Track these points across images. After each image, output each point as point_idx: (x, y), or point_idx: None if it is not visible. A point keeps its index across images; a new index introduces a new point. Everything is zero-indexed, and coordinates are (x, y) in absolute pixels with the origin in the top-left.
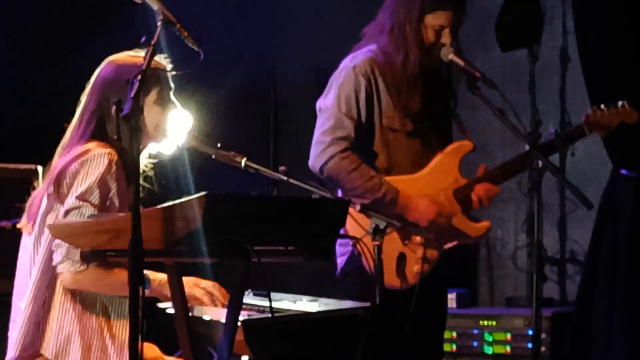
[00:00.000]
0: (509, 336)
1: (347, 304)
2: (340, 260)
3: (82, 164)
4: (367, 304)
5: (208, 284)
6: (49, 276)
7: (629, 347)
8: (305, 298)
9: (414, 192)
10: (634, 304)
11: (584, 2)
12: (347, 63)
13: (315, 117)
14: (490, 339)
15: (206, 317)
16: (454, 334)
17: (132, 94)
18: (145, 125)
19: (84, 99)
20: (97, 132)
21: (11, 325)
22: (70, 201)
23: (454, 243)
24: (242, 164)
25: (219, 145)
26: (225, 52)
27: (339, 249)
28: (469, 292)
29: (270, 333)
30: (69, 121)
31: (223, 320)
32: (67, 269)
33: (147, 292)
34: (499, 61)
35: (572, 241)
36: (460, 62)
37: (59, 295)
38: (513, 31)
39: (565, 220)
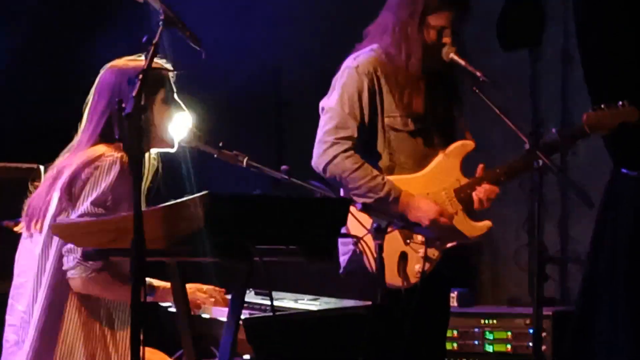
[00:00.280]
0: (510, 335)
1: (348, 303)
2: (343, 259)
3: (95, 168)
4: (369, 303)
5: (208, 288)
6: (60, 284)
7: (631, 345)
8: (306, 297)
9: (416, 192)
10: (635, 302)
11: (585, 3)
12: (349, 63)
13: (319, 117)
14: (491, 337)
15: (208, 316)
16: (456, 333)
17: (134, 93)
18: (152, 126)
19: (90, 102)
20: (105, 134)
21: (7, 328)
22: (85, 205)
23: (456, 242)
24: (244, 164)
25: (221, 144)
26: (229, 52)
27: (341, 248)
28: (470, 291)
29: (272, 332)
30: (70, 121)
31: (224, 319)
32: (79, 275)
33: (150, 298)
34: (501, 61)
35: (573, 240)
36: (461, 62)
37: (66, 303)
38: (515, 32)
39: (566, 219)
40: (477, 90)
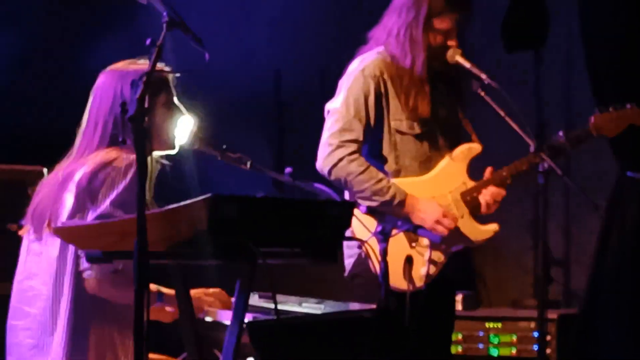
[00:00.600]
0: (514, 338)
1: (354, 306)
2: (348, 263)
3: (112, 169)
4: (374, 307)
5: (215, 291)
6: (79, 284)
7: (636, 349)
8: (311, 300)
9: (422, 195)
10: None
11: (589, 3)
12: (356, 66)
13: (320, 119)
14: (496, 341)
15: (212, 319)
16: (460, 336)
17: (137, 96)
18: (154, 128)
19: (90, 105)
20: (115, 137)
21: (20, 332)
22: (104, 206)
23: (462, 246)
24: (248, 166)
25: (224, 147)
26: (230, 55)
27: (346, 251)
28: (475, 294)
29: (276, 335)
30: (74, 124)
31: (228, 323)
32: (95, 276)
33: (159, 304)
34: (505, 63)
35: (578, 243)
36: (467, 64)
37: (87, 305)
38: (518, 33)
39: (571, 222)
40: (482, 93)
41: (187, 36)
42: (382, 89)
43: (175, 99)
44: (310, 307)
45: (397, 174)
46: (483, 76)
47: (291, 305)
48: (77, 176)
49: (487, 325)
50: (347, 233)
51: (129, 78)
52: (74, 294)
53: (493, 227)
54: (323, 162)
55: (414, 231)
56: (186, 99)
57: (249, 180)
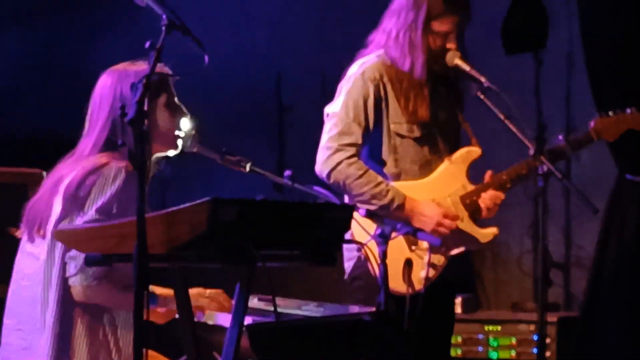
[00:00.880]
0: (514, 341)
1: (353, 309)
2: (348, 265)
3: (100, 176)
4: (373, 309)
5: (212, 292)
6: (66, 288)
7: (635, 352)
8: (311, 303)
9: (421, 198)
10: None
11: (589, 6)
12: (355, 69)
13: (320, 122)
14: (495, 344)
15: (211, 322)
16: (459, 339)
17: (137, 99)
18: (155, 130)
19: (90, 108)
20: (109, 141)
21: (12, 333)
22: (90, 213)
23: (461, 249)
24: (247, 169)
25: (223, 149)
26: (231, 57)
27: (346, 254)
28: (474, 296)
29: (276, 338)
30: (75, 127)
31: (228, 325)
32: (80, 283)
33: (153, 307)
34: (504, 66)
35: (578, 246)
36: (466, 67)
37: (75, 307)
38: (518, 35)
39: (570, 225)
40: (481, 96)
41: (187, 39)
42: (382, 93)
43: (177, 100)
44: (309, 310)
45: (396, 177)
46: (482, 79)
47: (291, 308)
48: (66, 181)
49: (486, 328)
50: (347, 236)
51: (129, 80)
52: (61, 297)
53: (492, 230)
54: (322, 165)
55: (413, 234)
56: (186, 101)
57: (249, 184)
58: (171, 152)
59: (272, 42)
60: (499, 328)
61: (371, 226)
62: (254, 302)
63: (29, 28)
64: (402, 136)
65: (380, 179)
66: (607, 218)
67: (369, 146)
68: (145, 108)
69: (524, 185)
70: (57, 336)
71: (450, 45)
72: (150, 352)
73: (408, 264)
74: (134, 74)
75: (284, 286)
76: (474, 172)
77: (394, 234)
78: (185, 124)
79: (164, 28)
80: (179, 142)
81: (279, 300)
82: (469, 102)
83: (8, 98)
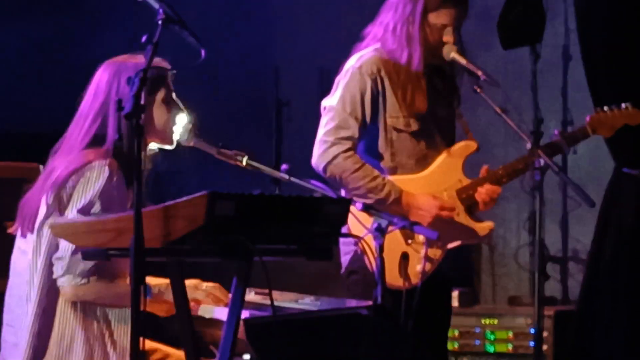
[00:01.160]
0: (511, 335)
1: (350, 302)
2: (345, 259)
3: (81, 175)
4: (370, 303)
5: (209, 285)
6: (50, 283)
7: (632, 345)
8: (308, 297)
9: (418, 192)
10: (637, 302)
11: (586, 0)
12: (352, 63)
13: (318, 117)
14: (492, 337)
15: (208, 316)
16: (456, 333)
17: (134, 93)
18: (151, 124)
19: (83, 101)
20: (98, 136)
21: (5, 329)
22: (72, 214)
23: (458, 243)
24: (244, 163)
25: (220, 144)
26: (228, 52)
27: (343, 248)
28: (471, 290)
29: (272, 332)
30: (70, 120)
31: (225, 319)
32: (68, 283)
33: (148, 299)
34: (501, 59)
35: (575, 239)
36: (463, 61)
37: (60, 303)
38: (515, 29)
39: (567, 219)
40: (478, 90)
41: (184, 33)
42: (379, 87)
43: (174, 95)
44: (306, 303)
45: (393, 171)
46: (479, 73)
47: (288, 302)
48: (53, 177)
49: (483, 321)
50: (344, 230)
51: (127, 74)
52: (43, 292)
53: (488, 224)
54: (318, 159)
55: (410, 228)
56: (183, 96)
57: (246, 177)
58: (168, 146)
59: (269, 36)
60: (496, 321)
61: (368, 220)
62: (250, 295)
63: (28, 22)
64: (399, 130)
65: (376, 172)
66: (604, 211)
67: (366, 140)
68: (142, 102)
69: (521, 179)
70: (35, 335)
71: (447, 38)
72: (151, 343)
73: (404, 257)
74: (132, 68)
75: (280, 280)
76: (469, 165)
77: (390, 228)
78: (182, 118)
79: (160, 22)
80: (174, 138)
81: (275, 294)
82: (464, 96)
83: (6, 92)
